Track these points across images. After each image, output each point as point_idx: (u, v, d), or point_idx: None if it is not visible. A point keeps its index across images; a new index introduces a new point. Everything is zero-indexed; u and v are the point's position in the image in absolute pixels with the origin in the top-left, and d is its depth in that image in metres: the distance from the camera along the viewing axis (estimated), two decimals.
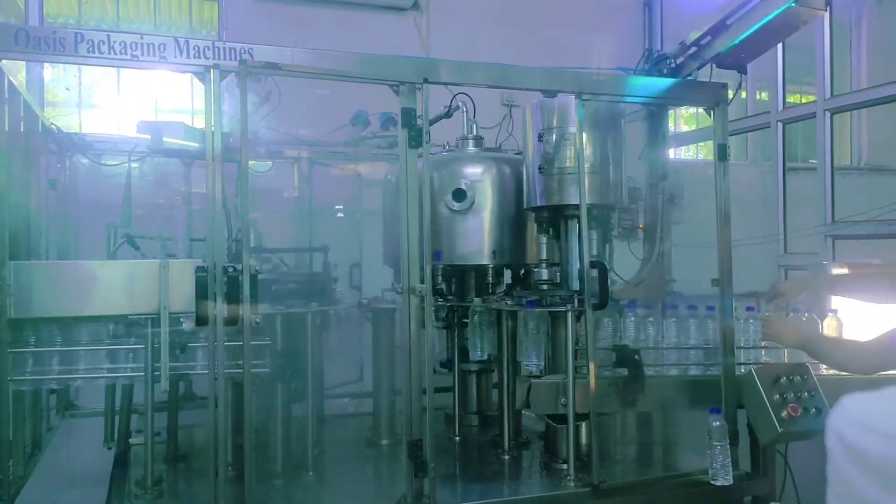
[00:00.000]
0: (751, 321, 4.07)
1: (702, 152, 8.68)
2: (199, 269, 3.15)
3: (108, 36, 3.00)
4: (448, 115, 4.90)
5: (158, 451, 3.93)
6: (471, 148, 4.74)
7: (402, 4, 7.09)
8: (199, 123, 6.59)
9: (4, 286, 3.12)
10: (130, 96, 6.70)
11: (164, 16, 7.04)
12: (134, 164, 5.06)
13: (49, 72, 6.43)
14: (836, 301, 4.27)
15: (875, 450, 0.73)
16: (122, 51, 3.03)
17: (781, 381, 3.67)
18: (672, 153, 6.28)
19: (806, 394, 3.64)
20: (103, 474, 3.98)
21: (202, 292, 3.11)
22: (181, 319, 3.55)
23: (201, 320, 3.12)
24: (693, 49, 3.93)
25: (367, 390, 4.96)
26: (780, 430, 3.55)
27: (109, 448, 4.32)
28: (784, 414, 3.57)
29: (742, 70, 3.88)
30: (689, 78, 4.06)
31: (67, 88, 6.59)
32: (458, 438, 4.69)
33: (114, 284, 3.49)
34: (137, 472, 3.88)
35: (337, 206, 6.46)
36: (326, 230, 5.88)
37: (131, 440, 4.30)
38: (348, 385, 5.29)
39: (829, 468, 0.85)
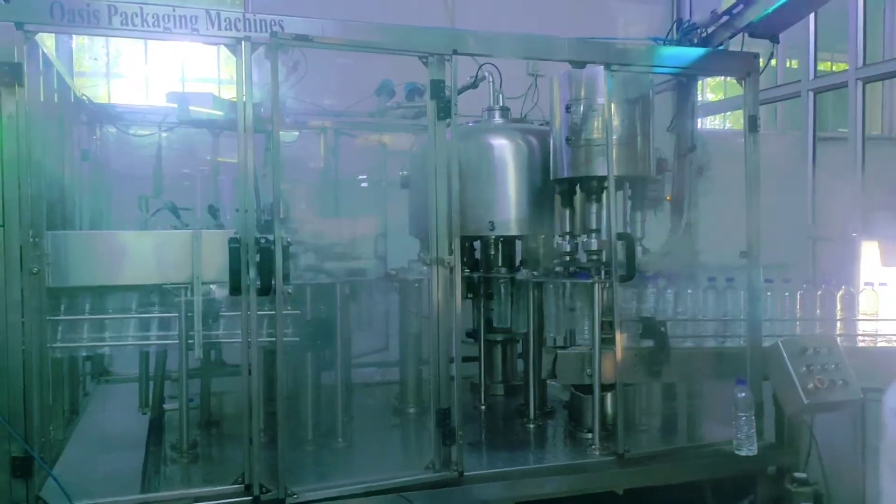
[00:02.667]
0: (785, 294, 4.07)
1: (728, 121, 8.58)
2: (232, 240, 3.20)
3: (141, 8, 3.02)
4: (475, 85, 4.89)
5: (192, 416, 4.03)
6: (497, 119, 4.74)
7: None
8: (226, 93, 6.63)
9: (43, 256, 3.19)
10: (157, 65, 6.74)
11: None
12: (163, 135, 5.11)
13: (75, 40, 6.47)
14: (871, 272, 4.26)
15: None
16: (155, 23, 3.06)
17: (808, 352, 3.68)
18: (699, 123, 6.22)
19: (833, 366, 3.65)
20: (139, 438, 4.09)
21: (235, 263, 3.16)
22: (212, 288, 3.61)
23: (235, 290, 3.17)
24: (724, 18, 3.88)
25: (393, 359, 5.02)
26: (805, 401, 3.57)
27: (144, 413, 4.43)
28: (810, 385, 3.58)
29: (775, 39, 3.83)
30: (719, 48, 4.01)
31: (95, 59, 6.64)
32: (483, 407, 4.76)
33: (148, 254, 3.56)
34: (172, 437, 3.99)
35: (361, 177, 6.48)
36: (352, 201, 5.91)
37: (165, 406, 4.41)
38: (374, 354, 5.36)
39: (885, 442, 0.88)
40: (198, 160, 5.40)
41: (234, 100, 3.84)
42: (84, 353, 3.96)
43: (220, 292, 3.59)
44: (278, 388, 3.32)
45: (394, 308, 4.86)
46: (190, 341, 3.58)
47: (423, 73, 3.53)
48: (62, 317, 3.50)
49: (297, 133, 5.74)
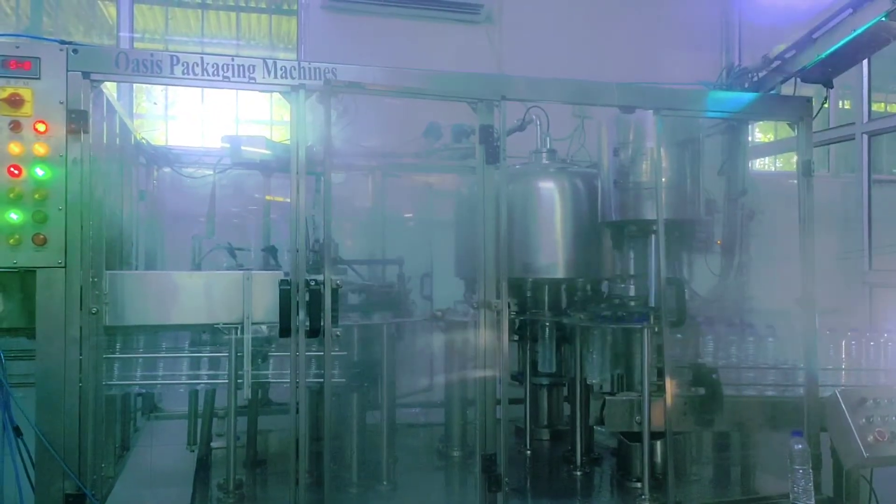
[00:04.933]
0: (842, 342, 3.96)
1: (779, 161, 8.44)
2: (282, 282, 3.25)
3: (202, 58, 3.13)
4: (521, 128, 4.93)
5: (239, 455, 4.06)
6: (544, 161, 4.76)
7: (474, 19, 7.14)
8: (277, 134, 6.78)
9: (101, 295, 3.28)
10: (213, 107, 6.95)
11: (245, 30, 7.28)
12: (217, 176, 5.24)
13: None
14: None
15: None
16: (215, 72, 3.17)
17: (867, 403, 3.56)
18: (750, 164, 6.15)
19: (894, 418, 3.52)
20: (186, 475, 4.14)
21: (285, 305, 3.21)
22: (262, 329, 3.66)
23: (285, 331, 3.21)
24: (776, 63, 3.86)
25: (436, 400, 5.00)
26: (865, 454, 3.44)
27: (192, 451, 4.48)
28: (870, 438, 3.46)
29: (828, 84, 3.79)
30: (771, 92, 3.98)
31: (154, 102, 6.87)
32: (528, 452, 4.69)
33: (199, 294, 3.63)
34: (219, 475, 4.02)
35: (407, 215, 6.53)
36: (398, 241, 5.96)
37: (212, 444, 4.45)
38: (418, 395, 5.35)
39: None
40: (250, 200, 5.53)
41: (286, 141, 3.96)
42: (137, 391, 4.04)
43: (269, 332, 3.65)
44: (325, 429, 3.33)
45: (439, 349, 4.85)
46: (239, 381, 3.62)
47: (469, 115, 3.58)
48: (117, 354, 3.58)
49: (343, 175, 5.83)
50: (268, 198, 5.29)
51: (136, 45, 6.60)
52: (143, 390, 4.07)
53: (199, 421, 4.49)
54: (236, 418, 3.77)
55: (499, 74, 4.15)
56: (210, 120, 6.93)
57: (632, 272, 4.09)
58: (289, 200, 3.74)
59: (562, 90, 3.72)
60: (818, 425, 3.73)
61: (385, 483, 4.01)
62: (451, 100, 3.52)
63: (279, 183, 5.21)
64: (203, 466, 4.27)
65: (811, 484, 3.50)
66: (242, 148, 4.65)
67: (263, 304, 3.53)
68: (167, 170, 5.48)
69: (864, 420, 3.49)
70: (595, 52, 6.70)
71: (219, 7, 7.17)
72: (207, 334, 3.79)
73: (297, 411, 3.26)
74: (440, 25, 7.15)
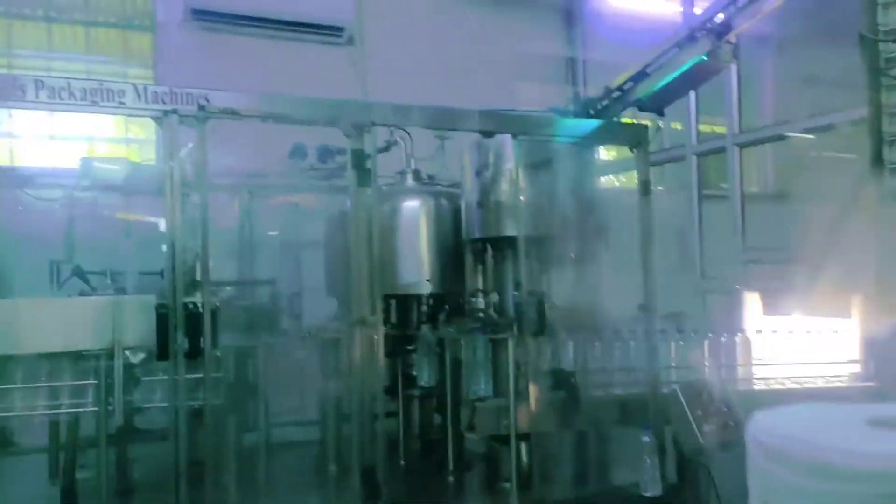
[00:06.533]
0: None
1: (624, 177, 9.12)
2: (159, 305, 3.25)
3: (69, 83, 3.09)
4: (387, 149, 5.12)
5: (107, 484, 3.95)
6: (409, 181, 4.97)
7: (336, 41, 7.27)
8: (128, 152, 6.58)
9: None
10: (64, 125, 6.64)
11: (96, 45, 7.01)
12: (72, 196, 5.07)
13: None
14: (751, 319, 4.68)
15: (794, 450, 0.99)
16: (83, 97, 3.14)
17: (703, 396, 4.00)
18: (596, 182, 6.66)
19: (725, 408, 3.98)
20: None
21: (163, 328, 3.21)
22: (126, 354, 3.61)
23: (163, 355, 3.22)
24: (617, 94, 4.27)
25: (312, 417, 5.06)
26: (702, 442, 3.86)
27: (55, 484, 4.30)
28: (706, 428, 3.89)
29: (661, 113, 4.25)
30: (613, 119, 4.41)
31: None
32: (403, 462, 4.85)
33: (57, 321, 3.54)
34: None
35: (272, 233, 6.53)
36: (266, 261, 5.97)
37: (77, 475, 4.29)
38: (290, 413, 5.37)
39: (750, 464, 1.10)
40: (107, 223, 5.36)
41: (149, 162, 3.94)
42: None
43: (135, 357, 3.61)
44: (205, 451, 3.35)
45: (310, 367, 4.92)
46: (109, 407, 3.56)
47: (332, 135, 3.72)
48: None
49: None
50: (125, 216, 5.16)
51: None
52: None
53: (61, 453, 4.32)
54: (107, 446, 3.69)
55: (370, 101, 4.31)
56: (62, 137, 6.63)
57: (495, 286, 4.36)
58: (150, 220, 3.72)
59: (428, 116, 3.95)
60: (663, 419, 4.13)
61: (263, 501, 4.04)
62: (323, 125, 3.65)
63: (139, 203, 5.10)
64: (68, 499, 4.11)
65: (658, 473, 3.90)
66: (97, 166, 4.55)
67: (135, 328, 3.50)
68: (17, 193, 5.21)
69: (700, 411, 3.92)
70: (453, 78, 7.01)
71: (66, 21, 6.88)
72: (67, 362, 3.67)
73: (178, 436, 3.26)
74: (303, 46, 7.22)
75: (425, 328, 4.53)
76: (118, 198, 5.13)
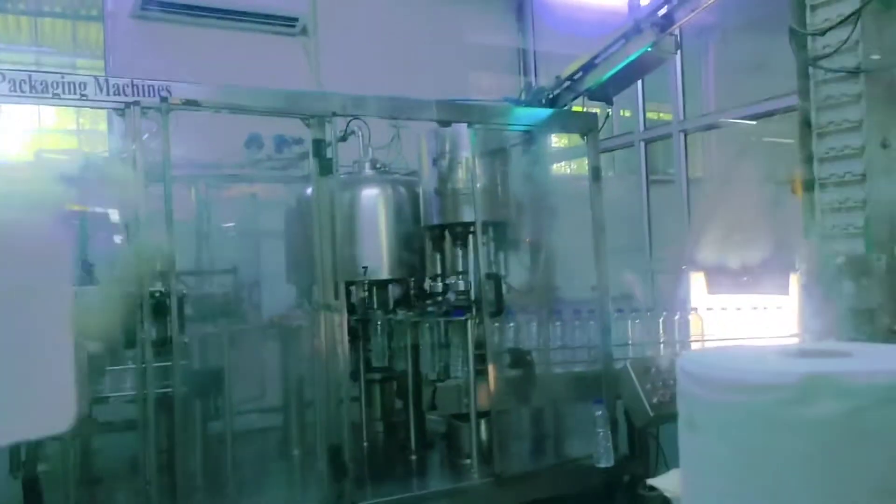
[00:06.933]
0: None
1: (574, 164, 9.35)
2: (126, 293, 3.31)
3: (30, 76, 3.12)
4: (344, 138, 5.19)
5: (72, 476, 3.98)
6: (367, 171, 5.07)
7: (290, 31, 7.29)
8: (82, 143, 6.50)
9: None
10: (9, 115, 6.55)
11: (45, 36, 6.91)
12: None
13: None
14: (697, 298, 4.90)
15: (714, 374, 1.19)
16: (44, 90, 3.16)
17: (652, 371, 4.21)
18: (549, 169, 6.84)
19: (672, 381, 4.19)
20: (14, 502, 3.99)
21: (131, 317, 3.27)
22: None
23: (130, 343, 3.28)
24: (567, 83, 4.44)
25: (274, 404, 5.14)
26: (651, 414, 4.08)
27: (16, 477, 4.30)
28: (655, 400, 4.10)
29: (609, 102, 4.43)
30: (564, 108, 4.58)
31: None
32: (366, 444, 4.97)
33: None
34: (53, 498, 3.92)
35: (228, 225, 6.55)
36: (224, 251, 5.99)
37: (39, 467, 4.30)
38: (252, 401, 5.44)
39: (678, 391, 1.29)
40: (60, 215, 5.32)
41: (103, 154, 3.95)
42: None
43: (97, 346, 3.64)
44: (176, 440, 3.42)
45: (270, 354, 5.00)
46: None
47: (287, 125, 3.78)
48: None
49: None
50: (77, 207, 5.14)
51: None
52: None
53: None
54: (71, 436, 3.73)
55: (329, 92, 4.37)
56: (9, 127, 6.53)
57: (453, 270, 4.50)
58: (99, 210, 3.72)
59: (387, 106, 4.05)
60: (614, 393, 4.34)
61: (232, 487, 4.12)
62: (284, 116, 3.73)
63: (92, 195, 5.09)
64: (32, 491, 4.13)
65: (611, 444, 4.10)
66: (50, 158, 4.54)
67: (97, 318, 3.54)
68: None
69: (649, 385, 4.13)
70: (406, 67, 7.09)
71: (13, 11, 6.76)
72: None
73: (146, 425, 3.32)
74: (256, 36, 7.22)
75: (379, 312, 4.66)
76: (70, 189, 5.10)
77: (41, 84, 3.16)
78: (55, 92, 3.19)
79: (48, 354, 0.90)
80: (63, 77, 3.21)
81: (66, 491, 3.76)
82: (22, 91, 3.12)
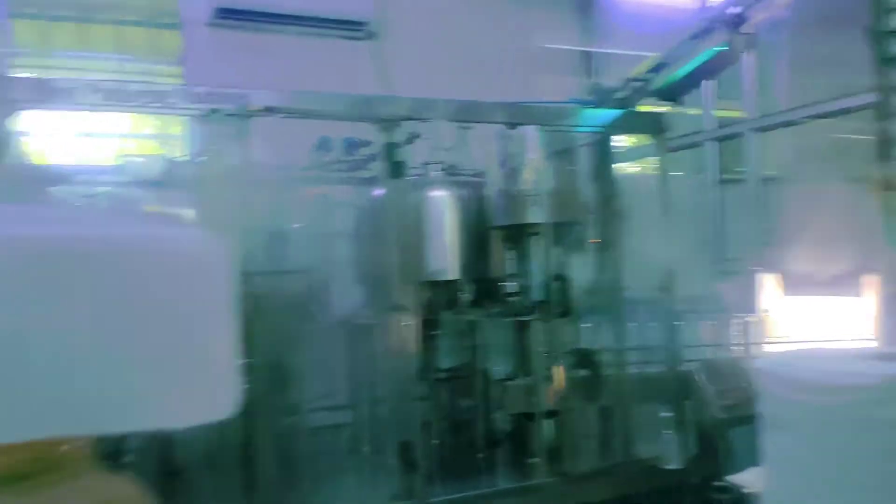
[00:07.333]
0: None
1: (641, 163, 9.25)
2: None
3: (120, 86, 3.30)
4: (410, 141, 5.28)
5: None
6: (435, 172, 5.13)
7: (357, 35, 7.43)
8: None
9: None
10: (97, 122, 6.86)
11: (126, 43, 7.20)
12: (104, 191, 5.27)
13: None
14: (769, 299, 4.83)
15: (783, 373, 1.21)
16: (132, 99, 3.34)
17: (722, 373, 4.18)
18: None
19: (743, 384, 4.15)
20: None
21: None
22: None
23: None
24: (635, 83, 4.42)
25: (340, 403, 5.26)
26: (721, 415, 4.05)
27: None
28: (725, 402, 4.07)
29: (679, 102, 4.39)
30: (632, 109, 4.56)
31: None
32: (435, 442, 5.04)
33: None
34: None
35: (298, 225, 6.69)
36: (298, 251, 6.14)
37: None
38: (321, 398, 5.57)
39: (762, 391, 1.31)
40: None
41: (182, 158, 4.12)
42: None
43: None
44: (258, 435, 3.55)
45: (343, 353, 5.11)
46: None
47: (358, 128, 3.85)
48: None
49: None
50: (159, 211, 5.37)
51: (15, 60, 6.45)
52: None
53: None
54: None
55: (399, 96, 4.47)
56: (96, 134, 6.84)
57: (521, 271, 4.54)
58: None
59: (455, 110, 4.12)
60: (684, 395, 4.31)
61: (306, 481, 4.25)
62: (356, 121, 3.83)
63: (171, 198, 5.30)
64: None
65: (678, 445, 4.08)
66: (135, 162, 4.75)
67: None
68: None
69: (720, 387, 4.10)
70: (471, 70, 7.14)
71: (97, 21, 7.07)
72: None
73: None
74: (325, 41, 7.39)
75: (450, 312, 4.72)
76: (151, 193, 5.32)
77: (129, 94, 3.34)
78: (143, 101, 3.36)
79: (212, 337, 0.95)
80: (150, 87, 3.38)
81: (148, 482, 3.93)
82: (112, 101, 3.30)
